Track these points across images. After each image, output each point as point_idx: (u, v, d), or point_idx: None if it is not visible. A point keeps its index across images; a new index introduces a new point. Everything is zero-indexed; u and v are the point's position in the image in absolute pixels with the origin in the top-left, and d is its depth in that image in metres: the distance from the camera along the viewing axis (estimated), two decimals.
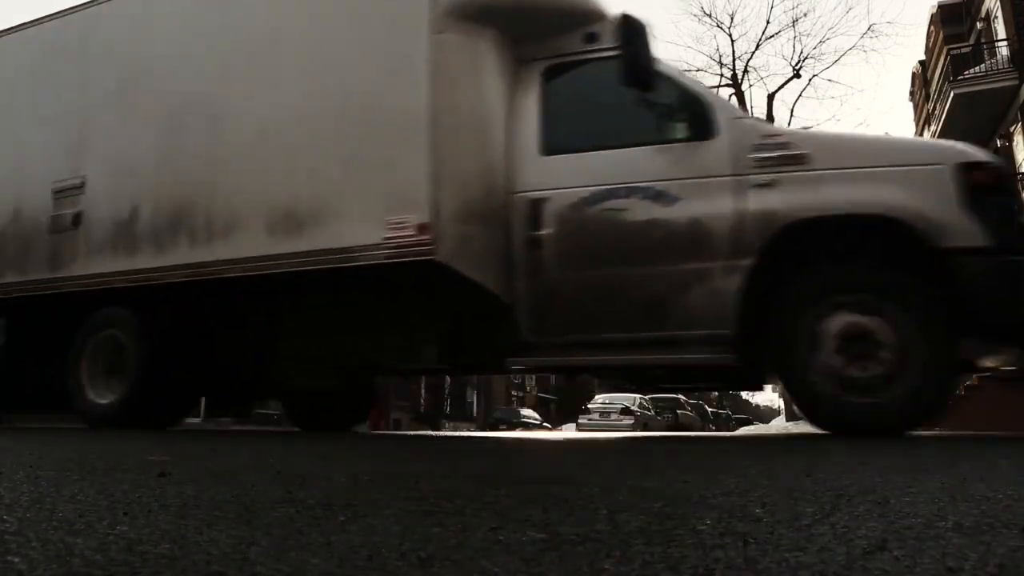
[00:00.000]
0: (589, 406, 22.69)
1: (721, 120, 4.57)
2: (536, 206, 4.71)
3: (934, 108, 19.68)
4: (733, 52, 22.26)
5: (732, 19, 26.04)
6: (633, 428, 20.62)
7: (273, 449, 3.62)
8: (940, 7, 21.94)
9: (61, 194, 5.95)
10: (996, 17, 18.07)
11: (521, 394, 48.70)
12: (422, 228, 4.44)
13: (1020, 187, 16.26)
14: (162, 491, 1.76)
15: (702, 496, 1.69)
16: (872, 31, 21.80)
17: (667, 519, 1.38)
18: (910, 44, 60.91)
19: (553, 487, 1.94)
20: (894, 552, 1.05)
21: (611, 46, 4.78)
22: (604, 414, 21.70)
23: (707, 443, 4.98)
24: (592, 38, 4.98)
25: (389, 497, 1.71)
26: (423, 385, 38.28)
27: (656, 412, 24.34)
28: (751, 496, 1.70)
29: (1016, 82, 16.15)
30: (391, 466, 2.72)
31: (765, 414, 72.21)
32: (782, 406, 31.00)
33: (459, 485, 2.00)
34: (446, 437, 6.48)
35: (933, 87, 21.28)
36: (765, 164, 4.30)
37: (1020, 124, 16.49)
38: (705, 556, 1.04)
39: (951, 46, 18.76)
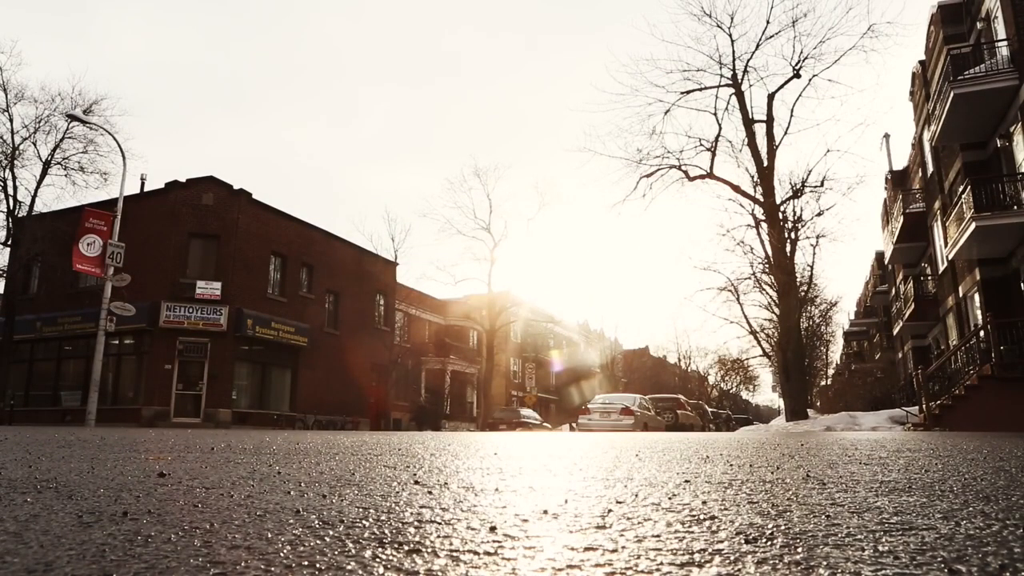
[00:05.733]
0: (589, 406, 22.67)
1: None
2: None
3: (934, 108, 19.69)
4: (733, 52, 22.24)
5: (732, 19, 25.91)
6: (633, 428, 20.61)
7: None
8: (940, 7, 21.94)
9: None
10: (996, 17, 18.08)
11: (521, 394, 48.72)
12: None
13: (1020, 187, 16.25)
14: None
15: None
16: (872, 31, 21.70)
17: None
18: (910, 44, 60.81)
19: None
20: (896, 552, 1.05)
21: None
22: (604, 414, 21.68)
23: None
24: None
25: None
26: (423, 386, 38.30)
27: (656, 412, 24.33)
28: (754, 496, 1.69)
29: (1016, 82, 16.16)
30: None
31: (765, 414, 72.28)
32: (782, 406, 31.03)
33: None
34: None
35: (933, 87, 21.29)
36: None
37: (1020, 124, 16.49)
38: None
39: (951, 46, 18.75)
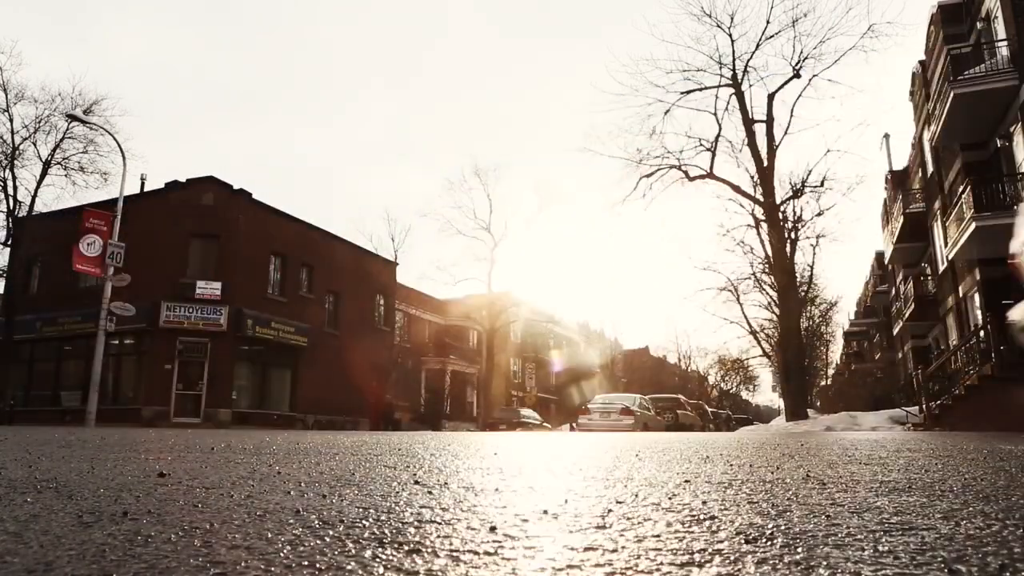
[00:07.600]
0: (589, 406, 22.64)
1: None
2: None
3: (934, 108, 19.68)
4: (733, 52, 22.24)
5: (732, 19, 25.84)
6: (633, 428, 20.60)
7: None
8: (940, 7, 21.93)
9: None
10: (996, 17, 18.07)
11: (521, 394, 48.69)
12: None
13: (1020, 187, 16.24)
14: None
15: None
16: (872, 31, 21.70)
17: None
18: (910, 44, 60.72)
19: None
20: (896, 552, 1.05)
21: None
22: (604, 414, 21.67)
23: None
24: None
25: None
26: (423, 385, 38.26)
27: (656, 412, 24.31)
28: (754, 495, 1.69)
29: (1016, 82, 16.15)
30: None
31: (765, 414, 72.26)
32: (782, 406, 31.03)
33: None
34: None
35: (933, 87, 21.28)
36: None
37: (1020, 124, 16.48)
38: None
39: (951, 46, 18.73)
